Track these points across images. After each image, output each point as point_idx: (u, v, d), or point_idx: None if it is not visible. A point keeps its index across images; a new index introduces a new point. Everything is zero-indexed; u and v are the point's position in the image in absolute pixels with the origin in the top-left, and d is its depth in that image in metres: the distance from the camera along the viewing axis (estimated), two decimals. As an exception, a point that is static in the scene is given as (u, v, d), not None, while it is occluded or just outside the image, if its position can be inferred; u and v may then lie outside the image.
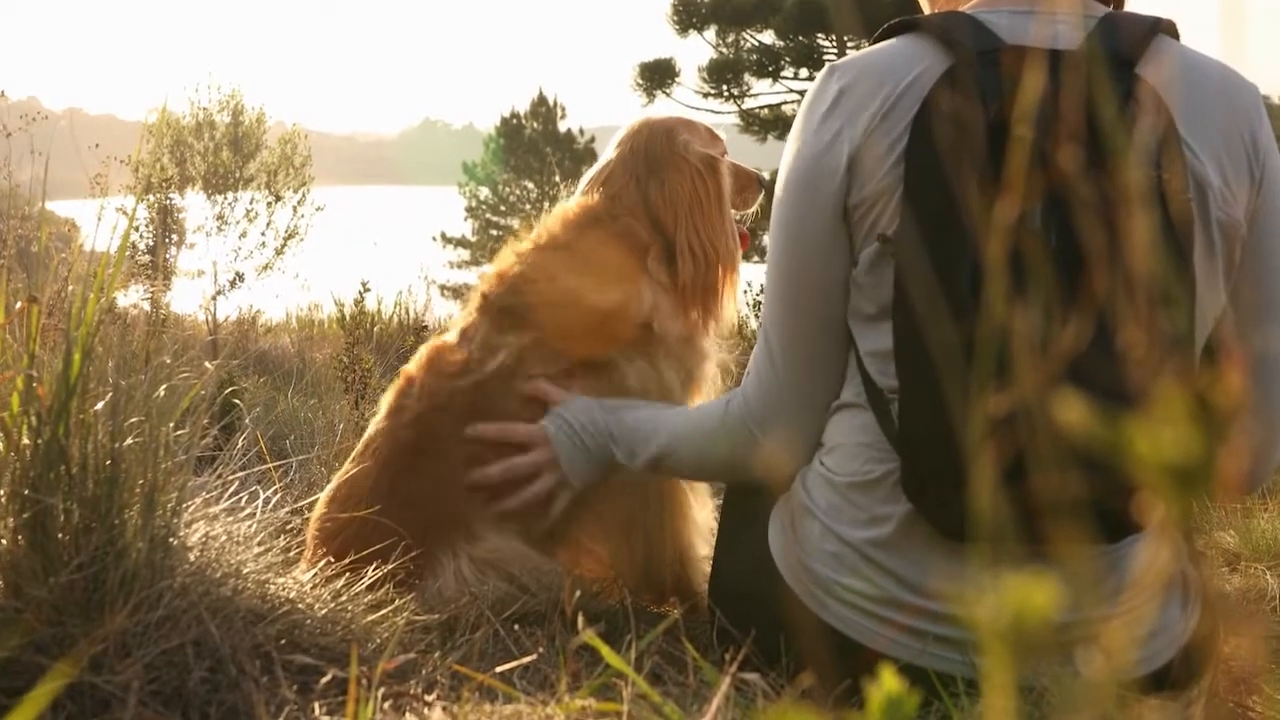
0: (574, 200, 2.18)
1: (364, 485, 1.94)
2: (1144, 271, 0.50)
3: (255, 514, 1.55)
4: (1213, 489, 0.44)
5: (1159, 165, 1.40)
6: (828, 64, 1.64)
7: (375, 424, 2.05)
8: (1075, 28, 1.51)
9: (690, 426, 1.86)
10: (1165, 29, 1.53)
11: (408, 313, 7.13)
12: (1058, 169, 1.25)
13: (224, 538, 1.44)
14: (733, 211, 2.25)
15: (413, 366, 2.07)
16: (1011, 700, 0.45)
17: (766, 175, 2.31)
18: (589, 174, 2.22)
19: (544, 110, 33.49)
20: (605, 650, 1.11)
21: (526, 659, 1.44)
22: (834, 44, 16.78)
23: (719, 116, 17.26)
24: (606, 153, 2.23)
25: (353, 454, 2.05)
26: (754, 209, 2.30)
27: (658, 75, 17.10)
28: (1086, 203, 1.29)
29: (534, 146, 32.69)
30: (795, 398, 1.69)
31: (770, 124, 17.37)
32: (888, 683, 0.56)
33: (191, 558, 1.37)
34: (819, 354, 1.66)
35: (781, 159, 1.68)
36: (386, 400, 2.06)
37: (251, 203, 9.02)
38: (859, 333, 1.60)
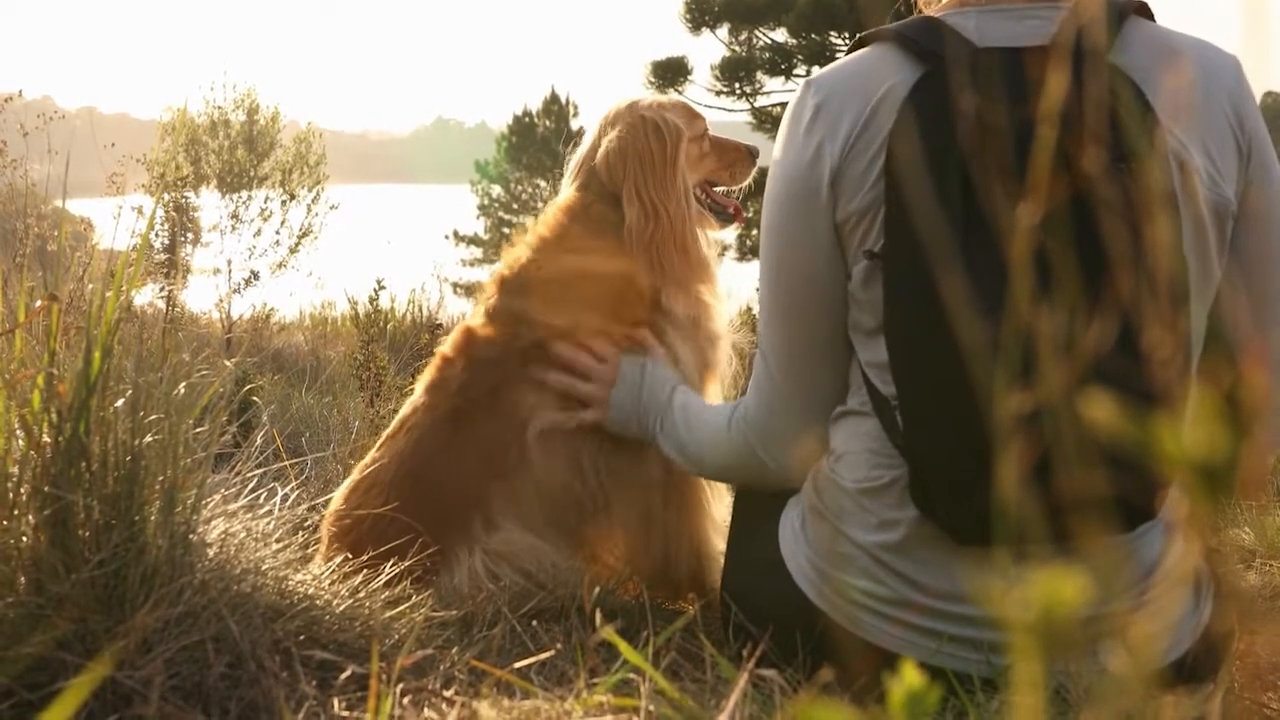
0: (560, 198, 2.19)
1: (388, 471, 1.94)
2: (1132, 258, 0.50)
3: (273, 511, 1.56)
4: (1236, 484, 0.44)
5: (1141, 153, 1.37)
6: (804, 80, 1.63)
7: (412, 401, 2.06)
8: (1045, 22, 1.49)
9: (702, 428, 1.87)
10: (1137, 11, 1.51)
11: (421, 310, 7.17)
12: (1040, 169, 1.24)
13: (243, 534, 1.45)
14: (722, 187, 2.25)
15: (448, 349, 2.08)
16: (1042, 696, 0.45)
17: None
18: (572, 160, 2.22)
19: (556, 108, 33.48)
20: (623, 646, 1.12)
21: (544, 655, 1.44)
22: (846, 41, 16.74)
23: (732, 115, 17.23)
24: (588, 136, 2.22)
25: (384, 434, 2.05)
26: (746, 182, 2.28)
27: (670, 73, 17.07)
28: (1073, 200, 1.27)
29: (546, 145, 32.68)
30: (795, 414, 1.69)
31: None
32: (909, 677, 0.56)
33: (211, 554, 1.37)
34: (818, 370, 1.65)
35: (767, 177, 1.67)
36: (424, 379, 2.07)
37: (266, 201, 9.04)
38: (860, 345, 1.60)
